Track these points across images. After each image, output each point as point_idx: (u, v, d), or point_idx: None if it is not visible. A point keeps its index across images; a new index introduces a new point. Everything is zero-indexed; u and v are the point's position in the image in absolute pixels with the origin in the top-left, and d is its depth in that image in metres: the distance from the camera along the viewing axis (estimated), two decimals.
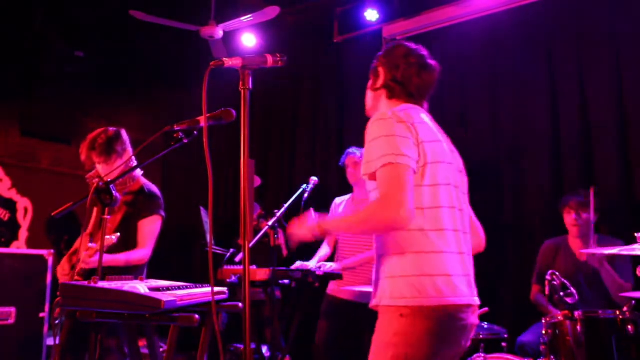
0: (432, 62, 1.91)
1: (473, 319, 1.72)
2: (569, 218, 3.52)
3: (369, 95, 2.01)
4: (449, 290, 1.64)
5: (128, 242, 3.00)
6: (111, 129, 3.12)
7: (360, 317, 3.89)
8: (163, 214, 3.12)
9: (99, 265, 2.28)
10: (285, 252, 4.68)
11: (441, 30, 4.88)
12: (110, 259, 2.80)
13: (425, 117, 1.85)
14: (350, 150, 4.08)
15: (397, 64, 1.90)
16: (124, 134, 3.15)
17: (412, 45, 1.93)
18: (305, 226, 1.81)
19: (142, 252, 3.00)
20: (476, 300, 1.74)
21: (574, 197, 3.52)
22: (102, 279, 2.21)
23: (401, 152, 1.63)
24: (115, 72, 6.29)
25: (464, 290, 1.68)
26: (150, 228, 3.05)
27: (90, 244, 2.83)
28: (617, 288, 3.27)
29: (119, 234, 2.67)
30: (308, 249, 4.15)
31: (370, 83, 2.02)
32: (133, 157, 3.05)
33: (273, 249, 3.53)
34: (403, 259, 1.68)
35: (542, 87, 4.27)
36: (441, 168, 1.75)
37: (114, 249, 2.71)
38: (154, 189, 3.16)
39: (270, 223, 3.50)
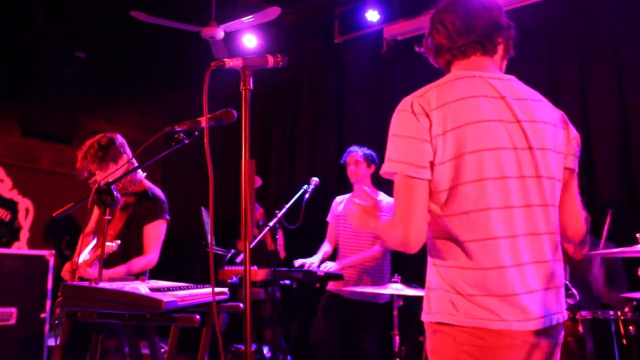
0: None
1: (535, 339, 1.41)
2: None
3: None
4: (477, 311, 1.39)
5: (129, 245, 2.99)
6: (107, 135, 3.13)
7: (359, 315, 3.89)
8: (168, 217, 3.12)
9: (99, 266, 2.28)
10: (283, 254, 4.69)
11: None
12: (110, 273, 2.80)
13: (478, 86, 1.52)
14: (352, 148, 4.09)
15: (426, 35, 1.66)
16: (119, 139, 3.15)
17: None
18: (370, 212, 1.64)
19: (147, 259, 3.00)
20: (526, 325, 1.39)
21: None
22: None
23: (407, 160, 1.44)
24: (115, 72, 6.30)
25: (499, 312, 1.38)
26: (155, 233, 3.05)
27: (89, 253, 2.83)
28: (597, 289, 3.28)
29: (119, 241, 2.67)
30: (308, 248, 4.16)
31: None
32: (133, 160, 3.05)
33: (275, 253, 3.54)
34: (436, 270, 1.50)
35: (542, 88, 4.25)
36: (488, 157, 1.43)
37: (112, 253, 2.70)
38: (158, 192, 3.15)
39: (271, 224, 3.50)
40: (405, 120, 1.47)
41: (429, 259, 1.54)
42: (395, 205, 1.47)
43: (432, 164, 1.45)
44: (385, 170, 1.50)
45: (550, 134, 1.53)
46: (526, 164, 1.47)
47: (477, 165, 1.43)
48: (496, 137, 1.45)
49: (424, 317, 1.51)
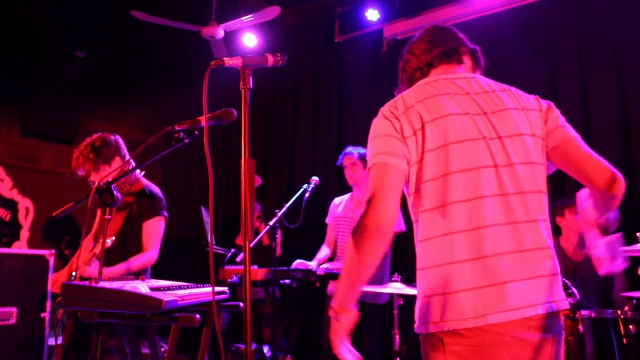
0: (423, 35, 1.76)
1: (527, 334, 1.36)
2: (573, 219, 3.52)
3: None
4: (452, 312, 1.36)
5: (129, 244, 3.00)
6: (103, 137, 3.13)
7: (360, 315, 3.90)
8: (166, 214, 3.13)
9: (99, 266, 2.28)
10: (279, 251, 4.69)
11: None
12: (111, 272, 2.80)
13: (440, 87, 1.57)
14: (348, 150, 4.05)
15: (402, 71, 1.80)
16: (114, 141, 3.15)
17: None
18: (338, 331, 1.55)
19: (146, 256, 3.00)
20: (509, 315, 1.34)
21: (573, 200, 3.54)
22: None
23: (382, 151, 1.49)
24: (116, 72, 6.30)
25: (476, 308, 1.35)
26: (154, 229, 3.05)
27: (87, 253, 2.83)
28: (621, 288, 3.28)
29: (114, 238, 2.67)
30: (308, 248, 4.16)
31: None
32: (131, 160, 3.06)
33: (271, 250, 3.54)
34: (419, 274, 1.49)
35: (542, 87, 4.27)
36: (456, 150, 1.44)
37: (111, 252, 2.70)
38: (156, 190, 3.16)
39: (271, 223, 3.50)
40: (379, 125, 1.56)
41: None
42: (368, 194, 1.47)
43: (408, 163, 1.50)
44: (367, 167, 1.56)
45: (524, 120, 1.54)
46: (498, 153, 1.47)
47: (445, 159, 1.45)
48: (463, 130, 1.47)
49: (417, 328, 1.49)
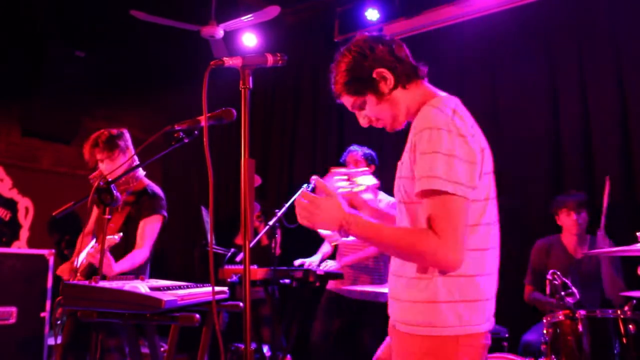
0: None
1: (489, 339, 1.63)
2: (569, 219, 3.53)
3: (380, 109, 1.76)
4: (477, 316, 1.55)
5: (129, 243, 2.99)
6: (116, 129, 3.16)
7: (359, 314, 3.90)
8: (165, 214, 3.13)
9: (99, 265, 2.28)
10: (278, 251, 4.69)
11: (441, 29, 4.88)
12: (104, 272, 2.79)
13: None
14: (352, 147, 4.08)
15: (380, 53, 1.78)
16: (127, 133, 3.19)
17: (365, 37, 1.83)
18: (337, 212, 1.55)
19: (138, 255, 2.97)
20: (488, 325, 1.60)
21: (571, 197, 3.55)
22: (103, 278, 2.21)
23: (466, 183, 1.46)
24: (115, 72, 6.30)
25: (483, 316, 1.57)
26: (150, 227, 3.05)
27: (94, 244, 2.83)
28: (614, 286, 3.27)
29: (121, 233, 2.67)
30: (307, 247, 4.16)
31: (370, 99, 1.80)
32: (135, 157, 3.07)
33: (271, 249, 3.54)
34: (437, 281, 1.57)
35: (542, 87, 4.27)
36: (489, 180, 1.61)
37: (115, 249, 2.70)
38: (157, 189, 3.17)
39: (270, 223, 3.50)
40: (455, 142, 1.48)
41: (423, 273, 1.54)
42: (439, 222, 1.44)
43: None
44: (439, 187, 1.44)
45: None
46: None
47: (487, 186, 1.58)
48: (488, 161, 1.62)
49: (422, 330, 1.51)
